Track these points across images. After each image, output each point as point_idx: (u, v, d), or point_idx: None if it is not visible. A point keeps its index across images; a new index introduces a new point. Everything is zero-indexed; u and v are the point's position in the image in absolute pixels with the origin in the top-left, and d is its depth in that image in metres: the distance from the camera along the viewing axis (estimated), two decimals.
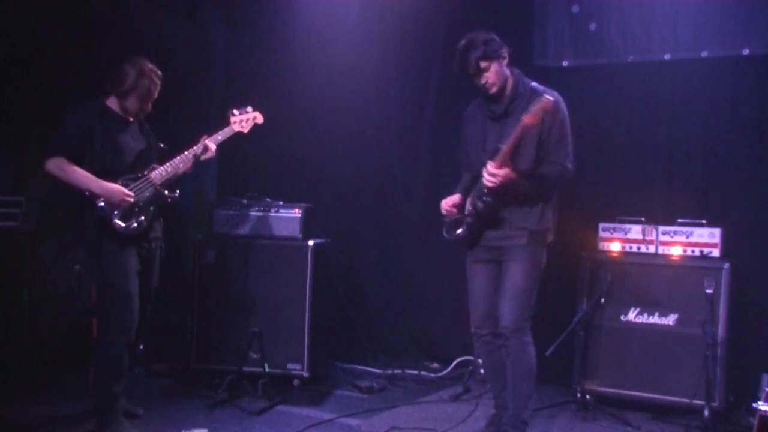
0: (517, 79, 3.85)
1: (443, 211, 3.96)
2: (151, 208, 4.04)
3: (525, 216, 3.81)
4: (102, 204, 3.87)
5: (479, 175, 3.76)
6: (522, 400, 3.83)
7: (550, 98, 3.54)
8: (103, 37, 5.13)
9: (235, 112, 4.39)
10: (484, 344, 4.01)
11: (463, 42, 3.81)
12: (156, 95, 4.13)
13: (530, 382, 3.85)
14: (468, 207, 3.90)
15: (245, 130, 4.42)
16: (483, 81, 3.79)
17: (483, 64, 3.75)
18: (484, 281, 3.95)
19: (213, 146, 4.23)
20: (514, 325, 3.78)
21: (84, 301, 4.91)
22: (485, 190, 3.72)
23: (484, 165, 3.70)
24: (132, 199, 3.92)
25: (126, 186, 3.94)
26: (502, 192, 3.70)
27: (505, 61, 3.83)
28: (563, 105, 3.79)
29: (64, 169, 3.85)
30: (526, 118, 3.52)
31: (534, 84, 3.83)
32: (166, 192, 4.09)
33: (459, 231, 3.92)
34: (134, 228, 3.95)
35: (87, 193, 3.87)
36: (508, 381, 3.87)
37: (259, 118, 4.48)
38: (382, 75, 5.88)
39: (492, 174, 3.64)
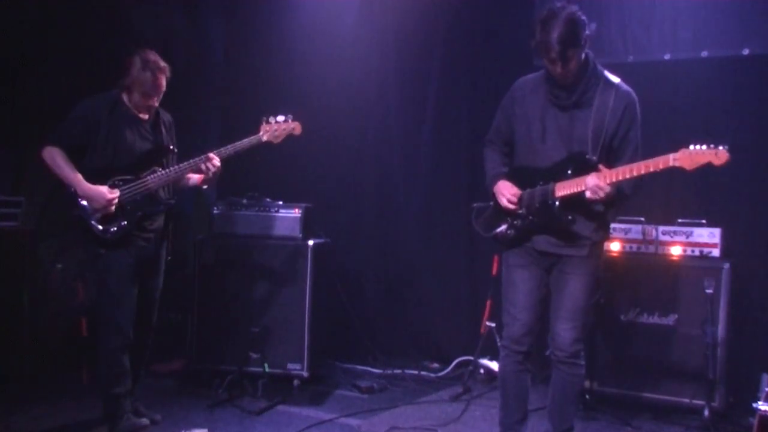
0: (591, 66, 3.30)
1: (505, 203, 3.42)
2: (139, 213, 3.87)
3: (587, 224, 3.34)
4: (84, 203, 3.78)
5: (529, 167, 3.38)
6: (567, 422, 3.53)
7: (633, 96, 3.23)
8: (103, 36, 5.13)
9: (271, 119, 4.07)
10: (514, 363, 3.52)
11: (547, 16, 3.15)
12: (161, 89, 3.90)
13: (576, 404, 3.67)
14: (517, 204, 3.40)
15: (276, 141, 4.09)
16: (561, 70, 3.20)
17: (570, 53, 3.14)
18: (528, 289, 3.45)
19: (215, 159, 3.94)
20: (572, 348, 3.39)
21: (72, 299, 4.91)
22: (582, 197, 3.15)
23: (538, 154, 3.32)
24: (113, 208, 3.78)
25: (117, 186, 3.81)
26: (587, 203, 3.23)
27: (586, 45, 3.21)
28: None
29: (56, 160, 3.78)
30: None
31: (607, 74, 3.36)
32: (162, 197, 3.95)
33: (500, 229, 3.48)
34: (113, 232, 3.81)
35: (72, 190, 3.79)
36: (554, 401, 3.54)
37: (297, 129, 4.12)
38: (382, 75, 5.88)
39: (601, 188, 3.11)
